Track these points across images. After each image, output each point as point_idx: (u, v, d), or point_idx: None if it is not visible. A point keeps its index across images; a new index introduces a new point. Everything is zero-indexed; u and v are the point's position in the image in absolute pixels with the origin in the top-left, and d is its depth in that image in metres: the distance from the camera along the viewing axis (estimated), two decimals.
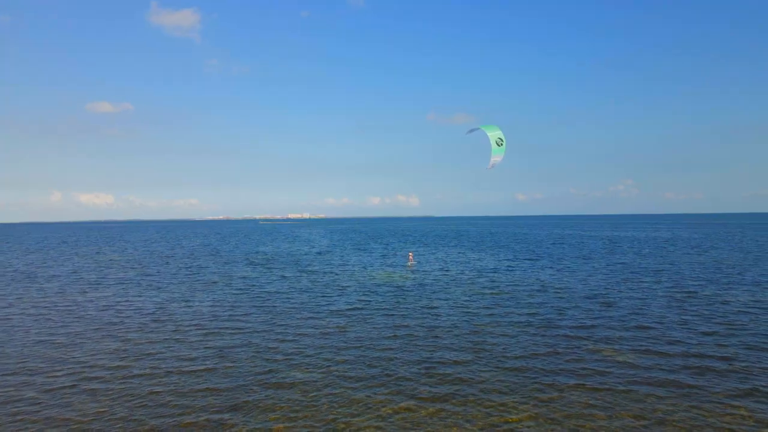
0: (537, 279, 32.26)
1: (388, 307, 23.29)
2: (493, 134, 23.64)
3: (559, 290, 27.52)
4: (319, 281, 32.81)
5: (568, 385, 12.47)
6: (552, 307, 22.68)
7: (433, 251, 59.01)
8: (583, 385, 12.48)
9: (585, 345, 16.15)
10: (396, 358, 14.88)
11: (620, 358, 14.64)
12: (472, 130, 24.89)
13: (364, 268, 40.88)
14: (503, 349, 15.71)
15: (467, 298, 25.20)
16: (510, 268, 38.85)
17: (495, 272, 36.42)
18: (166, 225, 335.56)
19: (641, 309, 21.94)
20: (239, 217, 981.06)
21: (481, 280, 32.24)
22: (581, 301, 24.03)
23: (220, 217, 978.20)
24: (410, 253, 50.77)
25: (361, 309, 22.89)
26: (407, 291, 27.97)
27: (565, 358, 14.75)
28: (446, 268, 39.47)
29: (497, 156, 23.82)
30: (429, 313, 21.59)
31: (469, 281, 31.57)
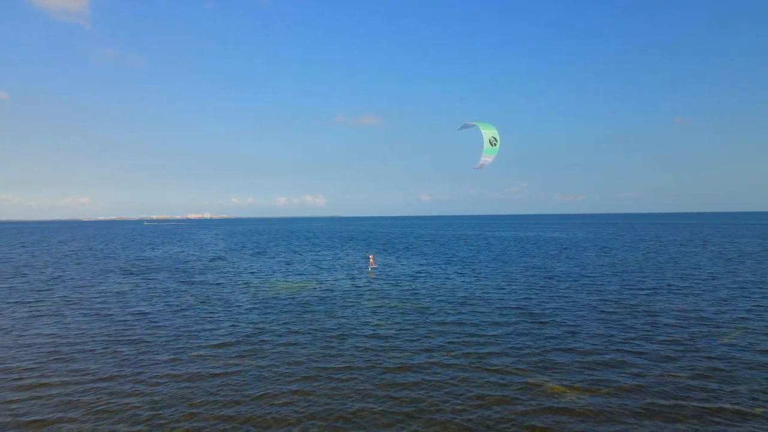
0: (456, 287, 29.27)
1: (287, 334, 18.79)
2: (488, 132, 22.17)
3: (483, 302, 24.57)
4: (206, 296, 27.36)
5: None
6: (482, 331, 19.48)
7: (341, 256, 54.92)
8: None
9: (534, 395, 12.86)
10: None
11: (579, 404, 11.45)
12: (465, 126, 23.15)
13: (264, 277, 35.77)
14: (438, 405, 11.91)
15: (381, 319, 21.33)
16: (425, 275, 35.75)
17: (411, 280, 33.06)
18: (48, 226, 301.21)
19: (577, 327, 19.40)
20: (135, 217, 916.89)
21: (394, 291, 28.62)
22: (511, 318, 21.16)
23: (113, 217, 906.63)
24: (370, 256, 44.94)
25: (252, 337, 18.16)
26: (312, 309, 23.58)
27: (515, 423, 11.27)
28: (355, 276, 35.51)
29: (489, 156, 22.39)
30: (337, 345, 17.38)
31: (381, 293, 27.82)
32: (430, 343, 17.52)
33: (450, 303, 24.75)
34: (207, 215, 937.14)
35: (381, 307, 24.02)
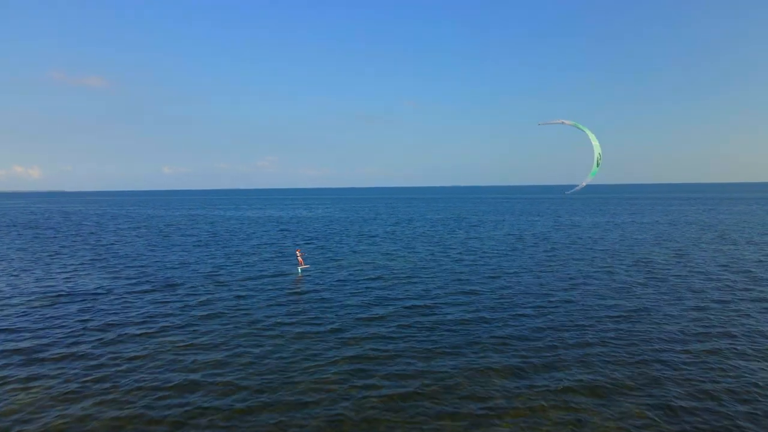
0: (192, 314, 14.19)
1: None
2: (597, 146, 17.73)
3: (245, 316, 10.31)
4: None
5: None
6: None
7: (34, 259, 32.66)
8: None
9: None
10: None
11: None
12: (551, 122, 18.74)
13: None
14: None
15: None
16: (143, 286, 19.35)
17: (133, 326, 16.26)
18: None
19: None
20: None
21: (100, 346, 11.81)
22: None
23: None
24: (297, 251, 31.59)
25: None
26: None
27: None
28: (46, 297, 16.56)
29: (590, 179, 18.39)
30: None
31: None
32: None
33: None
34: None
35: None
